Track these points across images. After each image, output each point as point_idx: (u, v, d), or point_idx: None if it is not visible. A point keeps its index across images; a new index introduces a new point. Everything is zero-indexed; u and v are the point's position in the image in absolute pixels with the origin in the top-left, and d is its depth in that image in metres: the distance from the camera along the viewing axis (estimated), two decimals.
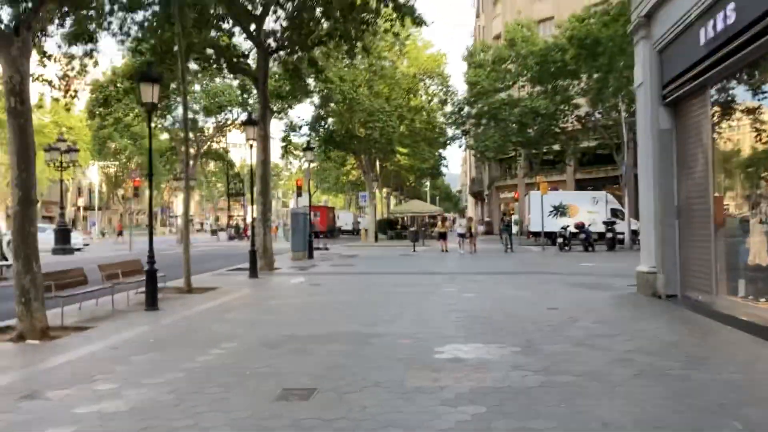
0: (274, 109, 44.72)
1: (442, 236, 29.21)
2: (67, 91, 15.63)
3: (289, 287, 15.40)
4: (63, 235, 29.12)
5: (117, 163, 77.90)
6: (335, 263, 22.89)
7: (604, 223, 28.94)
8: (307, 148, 25.05)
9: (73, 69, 14.64)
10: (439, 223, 30.70)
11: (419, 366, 6.80)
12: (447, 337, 8.42)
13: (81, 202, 74.80)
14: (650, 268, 11.92)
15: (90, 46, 16.79)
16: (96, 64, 17.67)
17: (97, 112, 38.86)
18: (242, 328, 9.43)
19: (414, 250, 29.81)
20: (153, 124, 39.14)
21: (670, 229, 11.48)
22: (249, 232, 36.48)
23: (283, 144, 46.46)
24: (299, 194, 26.83)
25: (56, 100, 16.18)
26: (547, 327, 9.13)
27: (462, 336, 8.49)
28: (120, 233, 48.73)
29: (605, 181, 47.32)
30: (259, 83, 19.59)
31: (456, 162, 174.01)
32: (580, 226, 28.09)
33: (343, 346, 7.93)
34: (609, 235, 27.74)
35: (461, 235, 27.89)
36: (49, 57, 13.36)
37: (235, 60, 19.58)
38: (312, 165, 78.40)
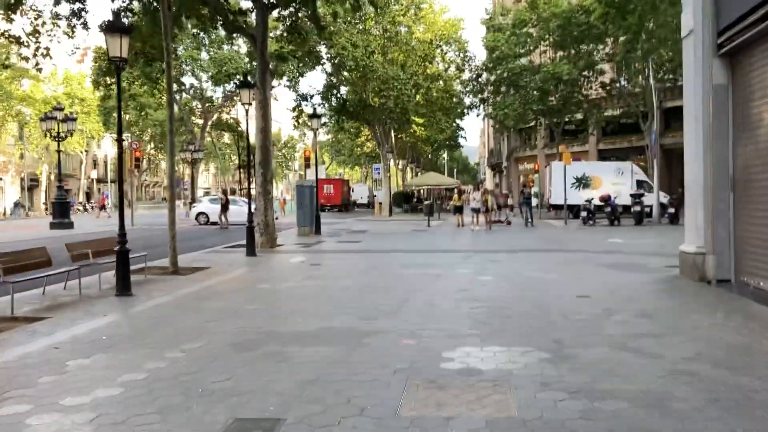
0: (284, 77, 43.33)
1: (458, 210, 27.57)
2: (37, 50, 14.12)
3: (286, 268, 13.95)
4: (61, 209, 27.89)
5: (129, 135, 77.07)
6: (342, 239, 21.42)
7: (632, 195, 27.11)
8: (314, 115, 23.39)
9: (44, 24, 13.09)
10: (455, 196, 28.83)
11: (421, 381, 5.29)
12: (458, 336, 6.90)
13: (94, 174, 73.94)
14: (697, 248, 10.26)
15: (78, 5, 15.35)
16: (85, 25, 16.24)
17: (101, 82, 37.46)
18: (217, 320, 7.98)
19: (428, 225, 28.23)
20: (155, 92, 37.73)
21: (722, 202, 9.81)
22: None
23: (295, 114, 44.82)
24: (307, 166, 25.23)
25: (25, 59, 14.63)
26: (579, 322, 7.58)
27: (477, 334, 6.96)
28: (102, 207, 47.13)
29: (629, 151, 45.27)
30: (257, 43, 17.94)
31: (474, 134, 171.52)
32: (606, 199, 26.31)
33: (331, 349, 6.44)
34: (636, 208, 25.94)
35: (475, 210, 25.81)
36: (14, 9, 11.82)
37: (231, 17, 17.91)
38: (327, 136, 77.31)
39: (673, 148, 39.92)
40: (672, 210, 25.81)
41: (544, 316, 7.95)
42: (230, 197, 31.08)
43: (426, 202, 32.61)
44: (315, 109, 23.68)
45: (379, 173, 44.92)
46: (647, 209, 26.87)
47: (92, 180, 74.14)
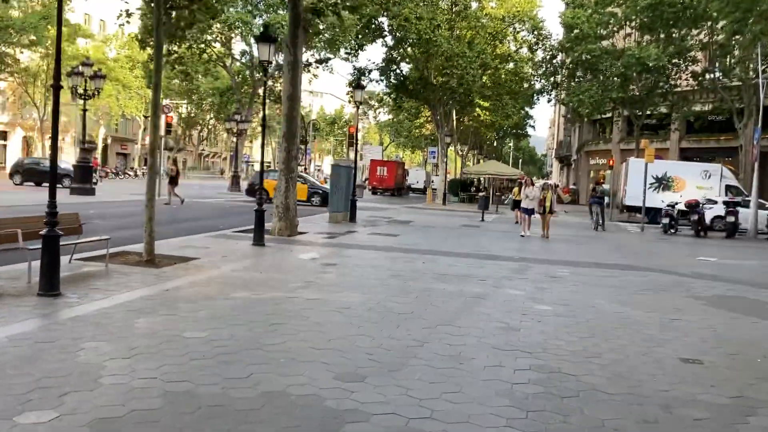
0: (342, 49, 40.47)
1: (517, 205, 24.14)
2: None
3: (289, 266, 11.12)
4: (83, 173, 25.93)
5: (188, 102, 76.02)
6: (378, 231, 18.49)
7: (725, 203, 23.13)
8: (357, 86, 20.45)
9: None
10: (516, 188, 24.71)
11: None
12: None
13: (147, 140, 73.13)
14: None
15: None
16: None
17: (148, 41, 35.42)
18: (124, 361, 5.21)
19: (482, 220, 24.98)
20: (203, 56, 35.44)
21: None
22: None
23: (350, 90, 42.01)
24: (351, 144, 22.36)
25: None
26: (698, 427, 4.44)
27: None
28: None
29: (716, 152, 40.64)
30: None
31: (543, 123, 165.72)
32: (694, 205, 22.46)
33: None
34: (731, 218, 22.00)
35: (527, 211, 19.72)
36: None
37: None
38: (387, 116, 74.28)
39: None
40: None
41: (634, 404, 4.83)
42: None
43: (481, 194, 29.27)
44: (360, 79, 20.59)
45: (434, 157, 41.65)
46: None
47: (145, 146, 73.37)
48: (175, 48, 36.77)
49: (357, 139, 22.03)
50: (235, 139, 42.27)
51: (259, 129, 78.39)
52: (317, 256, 12.03)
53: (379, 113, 75.45)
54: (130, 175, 65.60)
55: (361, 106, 74.64)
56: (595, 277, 11.57)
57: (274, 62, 14.11)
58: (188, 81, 39.62)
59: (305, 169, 53.76)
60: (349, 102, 43.78)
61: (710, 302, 9.40)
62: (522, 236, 18.84)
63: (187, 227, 16.49)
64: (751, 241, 21.99)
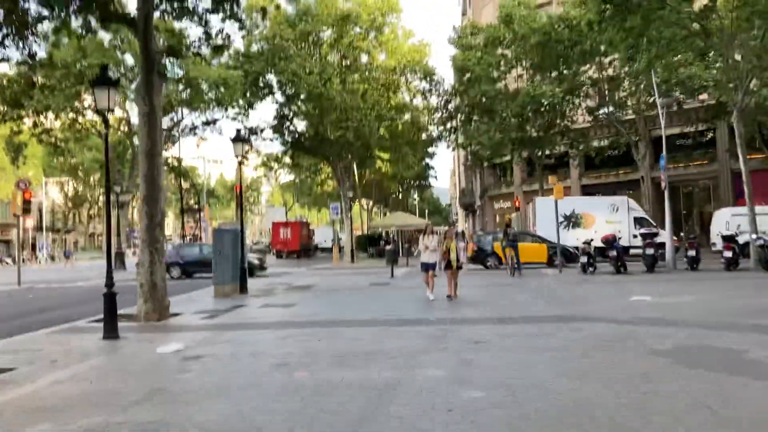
0: (232, 108, 38.07)
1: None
2: None
3: (137, 368, 8.36)
4: None
5: (68, 178, 70.84)
6: (273, 301, 15.91)
7: (642, 235, 22.12)
8: (237, 138, 18.10)
9: None
10: (422, 237, 16.42)
11: None
12: None
13: (30, 223, 67.18)
14: None
15: None
16: None
17: (6, 113, 31.78)
18: None
19: (391, 276, 22.89)
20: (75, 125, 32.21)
21: None
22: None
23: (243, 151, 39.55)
24: (239, 205, 19.85)
25: None
26: None
27: None
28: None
29: (617, 186, 40.82)
30: (138, 31, 12.70)
31: (444, 173, 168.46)
32: (611, 240, 21.28)
33: None
34: (649, 251, 20.90)
35: (427, 268, 15.02)
36: None
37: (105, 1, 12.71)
38: (289, 176, 71.88)
39: (671, 181, 35.51)
40: (692, 252, 20.85)
41: None
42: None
43: (388, 247, 27.23)
44: (239, 131, 18.28)
45: (337, 213, 39.57)
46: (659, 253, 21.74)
47: (26, 230, 67.26)
48: (42, 119, 33.16)
49: (242, 198, 19.53)
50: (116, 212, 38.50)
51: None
52: (182, 347, 9.36)
53: (280, 174, 73.08)
54: (7, 263, 59.32)
55: (260, 168, 71.99)
56: (526, 336, 9.53)
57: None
58: (60, 154, 35.65)
59: (199, 237, 50.40)
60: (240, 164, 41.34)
61: (677, 359, 7.49)
62: (430, 299, 14.55)
63: (30, 321, 13.35)
64: (672, 272, 20.95)
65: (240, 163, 18.67)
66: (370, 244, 45.79)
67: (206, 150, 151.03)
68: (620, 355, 7.86)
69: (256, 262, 26.20)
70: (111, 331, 10.59)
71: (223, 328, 11.46)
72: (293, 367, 7.79)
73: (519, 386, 6.44)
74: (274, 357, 8.46)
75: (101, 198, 79.43)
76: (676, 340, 8.72)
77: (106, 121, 11.37)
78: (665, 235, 22.27)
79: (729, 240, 20.66)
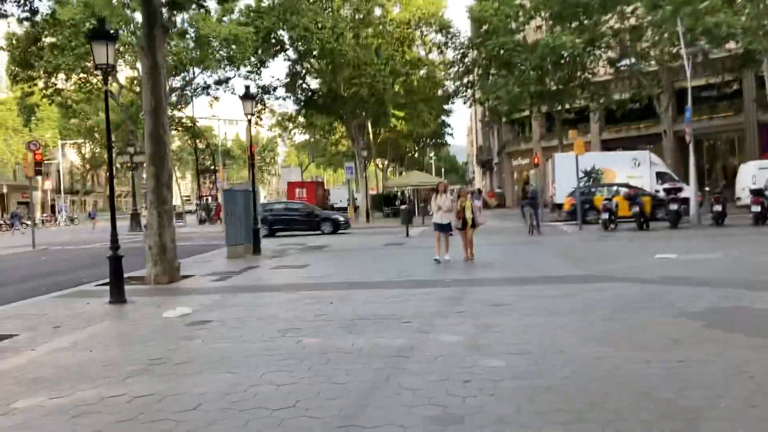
0: (245, 66, 37.33)
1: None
2: None
3: (142, 334, 8.01)
4: None
5: (84, 140, 70.74)
6: (286, 263, 15.57)
7: (666, 190, 21.40)
8: (247, 96, 17.48)
9: None
10: (434, 196, 14.99)
11: None
12: None
13: (48, 185, 67.49)
14: None
15: None
16: None
17: (18, 74, 31.45)
18: None
19: (407, 235, 22.48)
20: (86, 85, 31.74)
21: None
22: (221, 214, 29.23)
23: (256, 110, 39.00)
24: (253, 165, 19.42)
25: None
26: None
27: None
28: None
29: (638, 140, 39.85)
30: None
31: (461, 132, 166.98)
32: (632, 196, 20.61)
33: None
34: (673, 206, 20.24)
35: (441, 228, 13.92)
36: None
37: None
38: (304, 136, 71.15)
39: (694, 134, 34.45)
40: (718, 207, 20.16)
41: None
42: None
43: (403, 207, 26.71)
44: (248, 87, 17.69)
45: (352, 173, 39.06)
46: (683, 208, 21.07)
47: (46, 192, 67.62)
48: (54, 80, 32.73)
49: (253, 158, 19.09)
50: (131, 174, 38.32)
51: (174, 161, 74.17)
52: (189, 312, 9.04)
53: (294, 134, 72.42)
54: (27, 225, 59.55)
55: (275, 128, 71.38)
56: (548, 298, 9.07)
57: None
58: (74, 116, 35.30)
59: (216, 198, 50.24)
60: (256, 125, 40.77)
61: (710, 322, 7.01)
62: (437, 261, 13.72)
63: (40, 284, 13.18)
64: (697, 228, 20.32)
65: (250, 122, 18.15)
66: (385, 203, 45.28)
67: (221, 110, 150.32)
68: (649, 318, 7.39)
69: (341, 219, 26.97)
70: (117, 296, 10.31)
71: (234, 291, 11.13)
72: (302, 332, 7.43)
73: (541, 353, 6.01)
74: (283, 322, 8.10)
75: (119, 159, 79.60)
76: (708, 301, 8.22)
77: (105, 77, 10.87)
78: (689, 190, 21.53)
79: (757, 194, 19.92)
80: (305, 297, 10.03)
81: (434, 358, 6.03)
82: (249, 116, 17.61)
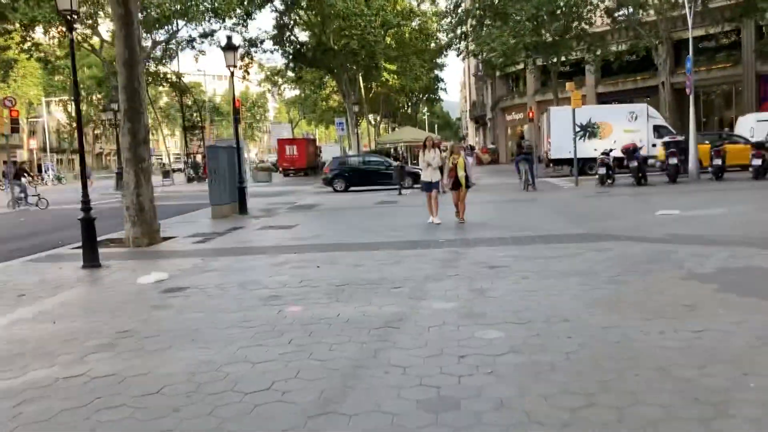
0: (230, 19, 36.05)
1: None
2: None
3: (110, 303, 7.44)
4: None
5: (69, 98, 69.00)
6: (274, 223, 14.99)
7: (666, 143, 20.78)
8: (229, 47, 16.62)
9: None
10: (422, 152, 13.80)
11: None
12: None
13: (33, 144, 66.20)
14: None
15: None
16: None
17: None
18: None
19: (399, 194, 21.90)
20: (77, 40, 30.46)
21: None
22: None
23: (243, 64, 37.89)
24: (237, 120, 18.64)
25: None
26: None
27: None
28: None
29: (634, 93, 39.07)
30: None
31: (454, 88, 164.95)
32: (631, 150, 20.00)
33: None
34: (673, 160, 19.65)
35: (428, 187, 13.13)
36: None
37: None
38: (294, 91, 69.74)
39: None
40: (718, 161, 19.60)
41: None
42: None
43: (396, 163, 26.03)
44: (230, 38, 16.79)
45: (343, 129, 38.19)
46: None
47: (32, 151, 66.41)
48: (32, 34, 31.37)
49: (237, 113, 18.21)
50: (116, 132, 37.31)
51: (162, 118, 72.14)
52: (165, 278, 8.48)
53: (285, 89, 70.95)
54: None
55: (264, 84, 69.68)
56: (547, 258, 8.54)
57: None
58: (53, 72, 34.08)
59: (203, 155, 49.34)
60: (243, 80, 39.67)
61: (723, 285, 6.49)
62: (430, 223, 12.88)
63: (13, 247, 12.58)
64: (696, 183, 19.79)
65: (232, 74, 17.30)
66: None
67: (209, 65, 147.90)
68: (657, 281, 6.87)
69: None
70: (91, 260, 9.73)
71: (216, 254, 10.56)
72: (285, 300, 6.89)
73: (543, 323, 5.49)
74: (265, 288, 7.56)
75: (104, 117, 78.05)
76: (718, 261, 7.71)
77: (69, 25, 10.04)
78: (690, 144, 20.92)
79: (759, 147, 19.34)
80: (291, 260, 9.48)
81: (426, 328, 5.51)
82: (231, 68, 16.76)
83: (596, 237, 10.16)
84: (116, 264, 9.97)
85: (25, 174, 25.20)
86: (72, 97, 66.62)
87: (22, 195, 23.17)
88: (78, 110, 10.81)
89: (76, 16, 10.18)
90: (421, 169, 13.59)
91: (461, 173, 12.89)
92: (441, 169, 13.29)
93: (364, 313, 6.15)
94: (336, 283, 7.60)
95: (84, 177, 10.42)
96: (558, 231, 11.14)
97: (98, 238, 12.94)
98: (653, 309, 5.74)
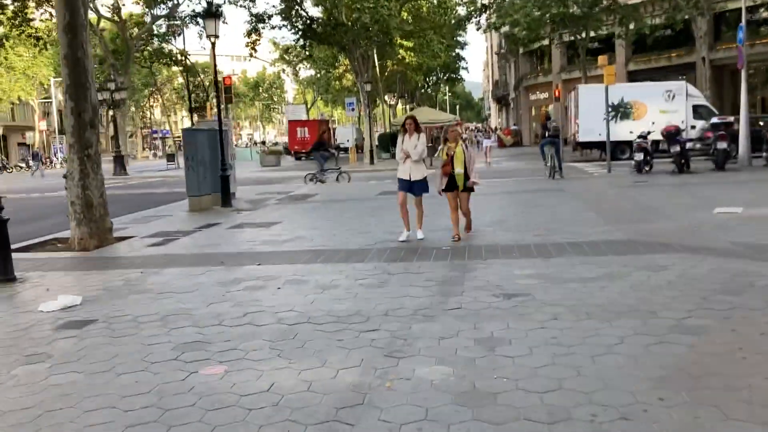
0: None
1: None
2: None
3: None
4: None
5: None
6: (255, 218, 12.89)
7: (714, 125, 18.30)
8: (209, 14, 14.48)
9: None
10: (401, 137, 9.29)
11: None
12: None
13: (43, 125, 64.82)
14: None
15: None
16: None
17: None
18: None
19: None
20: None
21: None
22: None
23: (249, 41, 35.72)
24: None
25: None
26: None
27: None
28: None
29: (668, 71, 36.29)
30: None
31: (477, 68, 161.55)
32: (674, 133, 17.52)
33: None
34: (721, 144, 17.19)
35: (411, 187, 9.13)
36: None
37: None
38: (309, 71, 67.47)
39: (727, 63, 30.85)
40: None
41: None
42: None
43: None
44: (210, 3, 14.64)
45: (353, 109, 35.93)
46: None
47: (41, 132, 65.08)
48: (25, 9, 29.39)
49: (218, 88, 16.16)
50: (112, 113, 35.53)
51: (176, 98, 70.09)
52: (79, 303, 6.43)
53: (300, 69, 68.63)
54: (20, 168, 57.06)
55: (278, 63, 67.52)
56: (584, 281, 6.34)
57: None
58: (44, 48, 32.25)
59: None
60: (250, 57, 37.52)
61: None
62: (401, 241, 9.11)
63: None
64: (748, 170, 17.33)
65: (214, 45, 15.13)
66: (392, 143, 42.32)
67: (223, 46, 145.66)
68: (750, 329, 4.66)
69: None
70: (3, 273, 7.73)
71: (164, 263, 8.49)
72: (209, 350, 4.81)
73: (588, 423, 3.33)
74: (193, 326, 5.49)
75: (99, 95, 76.54)
76: None
77: None
78: (740, 126, 18.39)
79: None
80: (249, 275, 7.40)
81: (398, 428, 3.38)
82: (213, 38, 14.61)
83: (644, 246, 7.91)
84: (36, 277, 7.96)
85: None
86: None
87: None
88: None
89: None
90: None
91: (459, 169, 8.96)
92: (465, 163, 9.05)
93: (309, 385, 4.04)
94: (289, 320, 5.50)
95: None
96: (593, 235, 8.91)
97: (43, 238, 11.07)
98: (764, 390, 3.55)
